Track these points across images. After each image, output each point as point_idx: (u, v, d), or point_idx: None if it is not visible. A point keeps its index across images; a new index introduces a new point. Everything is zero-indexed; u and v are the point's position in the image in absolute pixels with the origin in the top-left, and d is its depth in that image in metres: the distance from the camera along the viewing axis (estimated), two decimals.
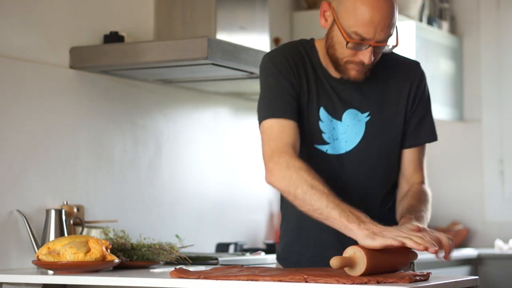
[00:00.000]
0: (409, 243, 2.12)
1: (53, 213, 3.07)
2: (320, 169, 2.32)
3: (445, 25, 5.34)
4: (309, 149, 2.42)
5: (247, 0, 3.71)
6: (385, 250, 2.13)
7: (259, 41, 3.72)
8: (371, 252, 2.11)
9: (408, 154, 2.52)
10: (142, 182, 3.66)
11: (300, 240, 2.51)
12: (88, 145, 3.40)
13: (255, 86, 3.85)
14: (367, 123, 2.45)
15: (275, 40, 4.36)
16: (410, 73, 2.50)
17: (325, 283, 2.08)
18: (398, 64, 2.52)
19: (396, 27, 2.37)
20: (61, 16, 3.34)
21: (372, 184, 2.47)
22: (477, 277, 2.38)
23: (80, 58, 3.34)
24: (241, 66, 3.34)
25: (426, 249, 2.13)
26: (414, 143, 2.51)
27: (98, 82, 3.46)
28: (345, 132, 2.44)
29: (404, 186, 2.52)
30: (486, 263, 4.85)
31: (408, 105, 2.48)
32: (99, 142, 3.45)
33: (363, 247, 2.12)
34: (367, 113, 2.45)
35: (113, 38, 3.42)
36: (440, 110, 5.13)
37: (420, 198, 2.46)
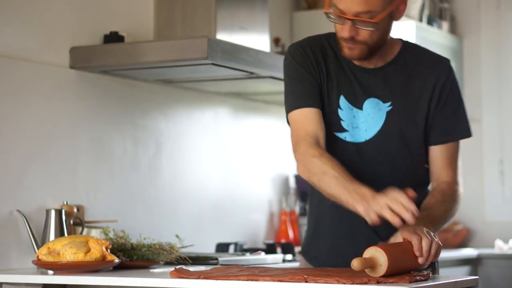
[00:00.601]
0: (414, 242, 2.16)
1: (53, 213, 3.07)
2: (339, 157, 2.35)
3: (445, 25, 5.34)
4: (328, 136, 2.43)
5: (247, 0, 3.71)
6: (405, 250, 2.15)
7: (259, 41, 3.72)
8: (391, 252, 2.11)
9: (435, 152, 2.49)
10: (142, 182, 3.66)
11: (318, 233, 2.55)
12: (88, 145, 3.40)
13: (255, 86, 3.86)
14: (388, 113, 2.44)
15: (275, 40, 4.36)
16: (437, 68, 2.49)
17: (325, 283, 2.08)
18: (427, 58, 2.52)
19: (385, 8, 2.35)
20: (61, 16, 3.34)
21: (392, 175, 2.45)
22: (477, 277, 2.38)
23: (80, 58, 3.34)
24: (241, 66, 3.34)
25: (420, 255, 2.17)
26: (439, 141, 2.48)
27: (98, 82, 3.46)
28: (365, 120, 2.45)
29: (433, 184, 2.51)
30: (486, 263, 4.85)
31: (432, 100, 2.46)
32: (99, 142, 3.45)
33: (383, 247, 2.11)
34: (389, 103, 2.45)
35: (113, 38, 3.42)
36: None
37: (441, 197, 2.44)
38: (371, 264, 2.09)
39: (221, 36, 3.49)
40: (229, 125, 4.16)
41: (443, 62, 2.54)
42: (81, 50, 3.35)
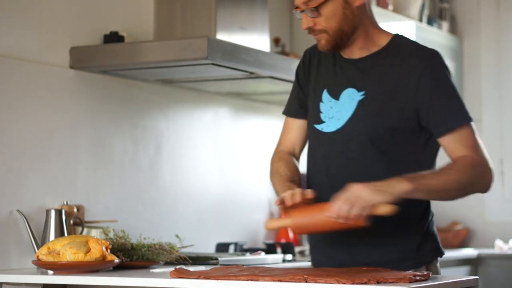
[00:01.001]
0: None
1: (53, 213, 3.07)
2: (319, 148, 2.52)
3: (445, 25, 5.34)
4: (310, 130, 2.56)
5: (247, 0, 3.71)
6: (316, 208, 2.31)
7: (259, 41, 3.72)
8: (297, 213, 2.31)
9: (443, 144, 2.45)
10: (142, 182, 3.66)
11: (313, 237, 2.60)
12: (88, 145, 3.40)
13: (255, 86, 3.86)
14: (359, 102, 2.46)
15: (275, 40, 4.36)
16: (418, 59, 2.46)
17: (325, 283, 2.08)
18: (411, 50, 2.49)
19: None
20: (61, 16, 3.34)
21: (363, 162, 2.44)
22: (477, 277, 2.38)
23: (80, 58, 3.34)
24: (241, 66, 3.34)
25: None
26: (440, 132, 2.43)
27: (98, 82, 3.46)
28: (339, 110, 2.48)
29: None
30: (486, 263, 4.85)
31: (409, 91, 2.42)
32: (99, 142, 3.45)
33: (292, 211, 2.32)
34: (362, 92, 2.47)
35: (113, 38, 3.42)
36: None
37: (446, 166, 2.40)
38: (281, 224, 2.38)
39: (221, 36, 3.49)
40: (229, 125, 4.16)
41: (425, 53, 2.49)
42: (81, 50, 3.35)
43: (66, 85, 3.34)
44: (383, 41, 2.50)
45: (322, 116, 2.51)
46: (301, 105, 2.60)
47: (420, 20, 5.04)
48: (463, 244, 5.22)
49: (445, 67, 2.51)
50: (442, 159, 2.49)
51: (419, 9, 5.00)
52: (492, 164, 2.44)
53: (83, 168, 3.37)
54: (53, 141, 3.26)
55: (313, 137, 2.54)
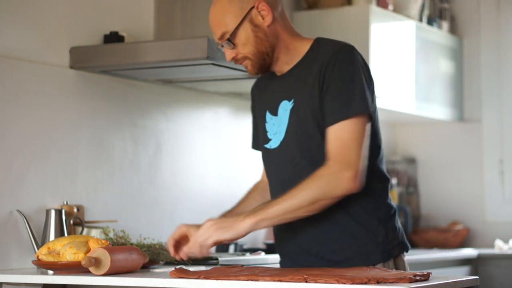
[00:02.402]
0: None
1: (53, 213, 3.07)
2: (271, 165, 2.63)
3: (445, 25, 5.34)
4: (262, 151, 2.67)
5: None
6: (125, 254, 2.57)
7: None
8: (114, 253, 2.52)
9: (326, 135, 2.45)
10: (142, 182, 3.66)
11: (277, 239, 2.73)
12: (88, 145, 3.40)
13: None
14: (291, 111, 2.52)
15: None
16: (326, 54, 2.49)
17: (325, 283, 2.08)
18: (326, 49, 2.52)
19: (236, 21, 2.50)
20: (61, 16, 3.34)
21: (310, 167, 2.46)
22: (477, 277, 2.38)
23: (80, 58, 3.34)
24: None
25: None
26: (326, 124, 2.44)
27: (98, 82, 3.46)
28: (280, 124, 2.56)
29: None
30: (486, 263, 4.85)
31: (319, 86, 2.46)
32: (99, 142, 3.46)
33: (108, 248, 2.51)
34: (292, 101, 2.53)
35: (113, 38, 3.42)
36: (440, 110, 5.14)
37: (297, 186, 2.43)
38: (97, 263, 2.48)
39: None
40: (229, 125, 4.16)
41: (333, 48, 2.50)
42: (81, 50, 3.35)
43: (66, 85, 3.34)
44: (305, 48, 2.54)
45: (268, 134, 2.61)
46: (256, 135, 2.74)
47: (420, 20, 5.04)
48: (463, 244, 5.22)
49: (348, 59, 2.48)
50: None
51: (419, 9, 5.00)
52: (360, 165, 2.40)
53: (83, 168, 3.37)
54: (53, 141, 3.26)
55: (266, 156, 2.65)
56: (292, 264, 2.55)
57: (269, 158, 2.63)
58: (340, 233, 2.49)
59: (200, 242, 2.41)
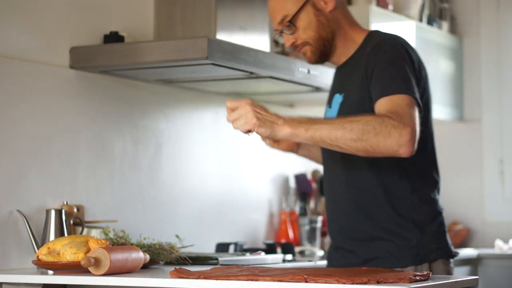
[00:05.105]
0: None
1: (53, 213, 3.07)
2: (322, 156, 2.64)
3: (445, 25, 5.34)
4: None
5: (247, 0, 3.71)
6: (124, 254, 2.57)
7: (259, 41, 3.72)
8: (114, 253, 2.52)
9: (375, 107, 2.41)
10: (142, 182, 3.66)
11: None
12: (88, 145, 3.40)
13: (255, 86, 3.86)
14: (340, 105, 2.55)
15: (275, 40, 4.35)
16: (371, 47, 2.49)
17: (325, 283, 2.08)
18: (371, 42, 2.53)
19: (298, 4, 2.50)
20: (61, 16, 3.33)
21: (347, 159, 2.48)
22: (477, 277, 2.38)
23: (80, 58, 3.34)
24: (241, 66, 3.34)
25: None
26: (376, 97, 2.40)
27: (98, 82, 3.46)
28: (331, 116, 2.58)
29: None
30: (486, 263, 4.85)
31: (364, 78, 2.46)
32: (99, 142, 3.45)
33: (107, 249, 2.52)
34: (342, 95, 2.55)
35: (113, 38, 3.41)
36: (440, 110, 5.13)
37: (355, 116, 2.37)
38: (96, 263, 2.49)
39: (221, 36, 3.49)
40: (229, 125, 4.15)
41: (378, 38, 2.51)
42: (81, 50, 3.35)
43: (66, 85, 3.34)
44: (360, 40, 2.55)
45: None
46: None
47: (420, 20, 5.03)
48: (463, 244, 5.22)
49: (389, 46, 2.47)
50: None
51: (419, 9, 5.00)
52: (416, 131, 2.29)
53: (83, 168, 3.37)
54: (53, 141, 3.26)
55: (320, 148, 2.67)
56: (334, 243, 2.59)
57: (321, 148, 2.62)
58: (375, 231, 2.47)
59: (238, 113, 2.36)
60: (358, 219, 2.49)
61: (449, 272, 2.49)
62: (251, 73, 3.46)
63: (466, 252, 4.82)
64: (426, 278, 2.18)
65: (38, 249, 2.98)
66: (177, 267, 2.44)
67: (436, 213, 2.51)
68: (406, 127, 2.25)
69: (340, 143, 2.27)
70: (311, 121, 2.29)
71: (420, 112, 2.36)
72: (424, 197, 2.50)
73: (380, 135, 2.25)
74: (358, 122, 2.26)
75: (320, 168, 4.39)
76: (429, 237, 2.47)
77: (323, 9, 2.50)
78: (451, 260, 2.53)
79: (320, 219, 4.34)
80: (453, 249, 2.53)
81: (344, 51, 2.54)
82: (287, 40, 2.52)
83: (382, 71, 2.41)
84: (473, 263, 4.83)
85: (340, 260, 2.58)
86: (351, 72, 2.51)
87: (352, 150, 2.28)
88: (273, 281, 2.14)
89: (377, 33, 2.56)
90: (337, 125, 2.27)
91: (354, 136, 2.25)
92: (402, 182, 2.46)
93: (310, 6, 2.48)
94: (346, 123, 2.26)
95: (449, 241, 2.54)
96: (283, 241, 4.24)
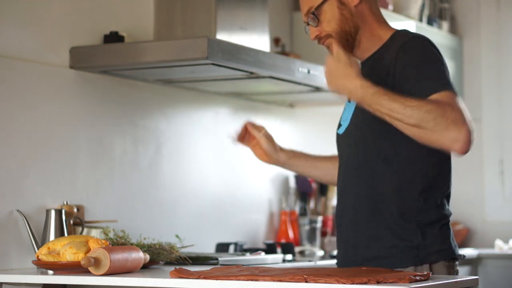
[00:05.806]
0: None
1: (53, 213, 3.07)
2: (338, 151, 2.63)
3: (445, 25, 5.34)
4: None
5: (247, 0, 3.71)
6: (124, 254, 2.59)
7: (259, 41, 3.72)
8: (114, 253, 2.53)
9: None
10: (142, 182, 3.65)
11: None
12: (88, 145, 3.40)
13: (255, 86, 3.86)
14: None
15: (275, 40, 4.36)
16: (397, 45, 2.48)
17: (325, 283, 2.08)
18: (397, 40, 2.52)
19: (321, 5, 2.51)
20: (61, 16, 3.33)
21: (367, 156, 2.48)
22: (477, 277, 2.38)
23: (80, 58, 3.34)
24: (241, 66, 3.34)
25: None
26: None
27: (98, 82, 3.46)
28: (349, 111, 2.57)
29: None
30: (486, 263, 4.85)
31: (395, 73, 2.43)
32: (99, 142, 3.45)
33: (108, 248, 2.53)
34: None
35: (113, 38, 3.41)
36: None
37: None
38: (96, 263, 2.50)
39: (221, 36, 3.49)
40: (229, 125, 4.15)
41: (405, 37, 2.51)
42: (81, 50, 3.35)
43: (66, 85, 3.34)
44: (384, 39, 2.54)
45: (341, 120, 2.63)
46: None
47: (420, 20, 5.03)
48: (463, 244, 5.22)
49: (419, 45, 2.48)
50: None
51: (419, 9, 5.00)
52: (471, 127, 2.36)
53: (83, 168, 3.37)
54: (53, 141, 3.26)
55: (336, 141, 2.67)
56: (340, 237, 2.59)
57: (337, 143, 2.65)
58: (378, 229, 2.47)
59: (328, 73, 2.39)
60: (363, 214, 2.49)
61: (451, 274, 2.48)
62: (251, 73, 3.46)
63: (466, 252, 4.82)
64: (426, 278, 2.18)
65: (38, 249, 2.97)
66: (177, 267, 2.44)
67: (441, 216, 2.51)
68: (465, 124, 2.34)
69: (397, 125, 2.32)
70: (380, 93, 2.31)
71: None
72: (432, 202, 2.50)
73: (439, 127, 2.29)
74: (420, 109, 2.27)
75: None
76: (431, 239, 2.46)
77: (348, 3, 2.50)
78: (457, 262, 2.52)
79: (320, 219, 4.35)
80: (458, 252, 2.52)
81: (369, 46, 2.53)
82: (312, 32, 2.53)
83: (421, 69, 2.42)
84: (473, 263, 4.83)
85: (344, 257, 2.59)
86: (374, 68, 2.50)
87: (408, 132, 2.32)
88: (273, 281, 2.14)
89: (404, 31, 2.56)
90: (399, 107, 2.28)
91: (413, 121, 2.28)
92: (414, 184, 2.47)
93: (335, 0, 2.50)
94: (407, 108, 2.27)
95: (454, 243, 2.52)
96: (283, 241, 4.24)
